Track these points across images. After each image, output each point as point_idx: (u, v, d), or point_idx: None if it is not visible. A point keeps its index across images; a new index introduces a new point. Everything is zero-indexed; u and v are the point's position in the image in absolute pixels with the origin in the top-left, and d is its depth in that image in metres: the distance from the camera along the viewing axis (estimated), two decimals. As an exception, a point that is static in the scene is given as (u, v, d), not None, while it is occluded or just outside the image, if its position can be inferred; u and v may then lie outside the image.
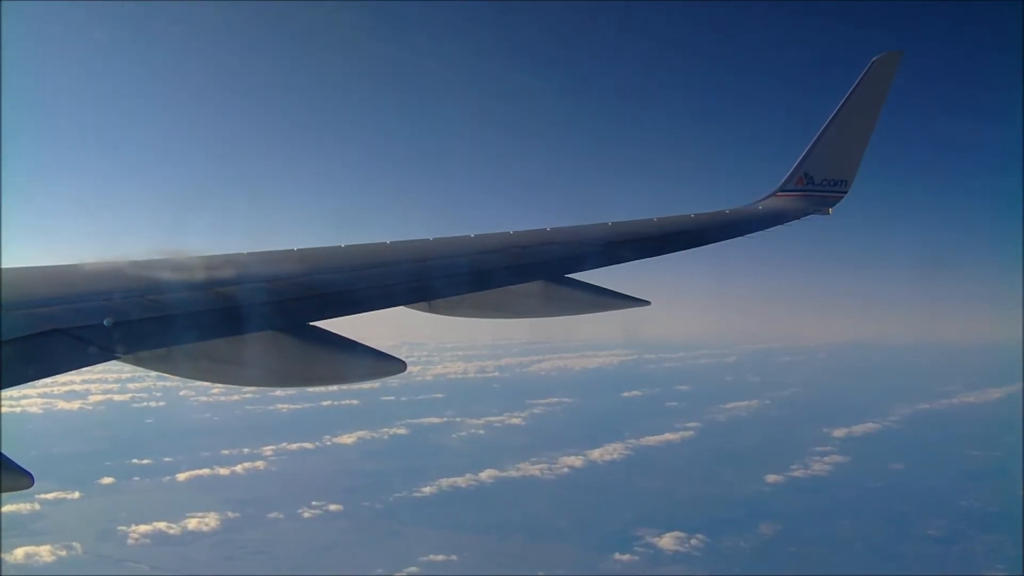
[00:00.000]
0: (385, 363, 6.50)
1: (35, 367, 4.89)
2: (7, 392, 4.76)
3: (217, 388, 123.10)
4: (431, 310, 8.00)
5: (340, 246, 8.86)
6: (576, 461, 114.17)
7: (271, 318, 6.34)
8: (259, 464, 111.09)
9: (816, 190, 14.11)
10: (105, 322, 5.51)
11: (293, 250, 8.48)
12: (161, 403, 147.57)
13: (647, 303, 9.01)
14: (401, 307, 7.58)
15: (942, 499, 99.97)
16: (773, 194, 14.32)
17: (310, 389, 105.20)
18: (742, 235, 12.31)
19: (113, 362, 5.45)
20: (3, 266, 6.67)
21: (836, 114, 13.87)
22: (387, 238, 9.29)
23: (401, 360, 6.50)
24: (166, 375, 6.54)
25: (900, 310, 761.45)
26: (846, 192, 14.22)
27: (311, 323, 6.42)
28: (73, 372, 5.21)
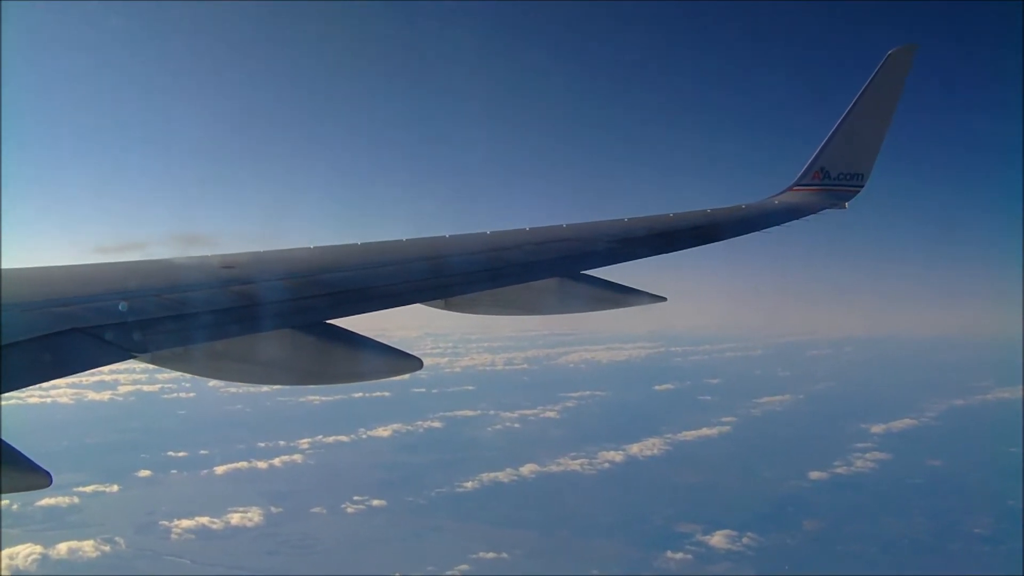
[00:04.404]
0: (402, 361, 6.38)
1: (54, 366, 4.86)
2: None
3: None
4: (448, 307, 7.91)
5: (356, 243, 8.91)
6: (616, 456, 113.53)
7: (287, 316, 6.29)
8: (296, 457, 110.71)
9: (832, 184, 14.01)
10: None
11: (309, 247, 8.54)
12: (191, 394, 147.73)
13: (663, 299, 8.91)
14: (418, 304, 7.52)
15: (985, 497, 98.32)
16: (789, 189, 14.18)
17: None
18: (759, 230, 12.24)
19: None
20: (10, 264, 6.74)
21: (852, 108, 13.66)
22: (403, 235, 9.34)
23: (418, 358, 6.39)
24: (183, 373, 6.45)
25: (922, 304, 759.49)
26: (862, 186, 14.09)
27: (327, 321, 6.35)
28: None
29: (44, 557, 75.59)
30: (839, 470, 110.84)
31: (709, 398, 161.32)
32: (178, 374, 6.52)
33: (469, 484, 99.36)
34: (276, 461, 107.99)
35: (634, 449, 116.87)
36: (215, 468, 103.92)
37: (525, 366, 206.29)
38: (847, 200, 13.96)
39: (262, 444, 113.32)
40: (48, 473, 4.29)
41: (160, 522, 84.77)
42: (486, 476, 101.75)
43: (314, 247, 8.55)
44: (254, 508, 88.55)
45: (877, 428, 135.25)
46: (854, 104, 13.58)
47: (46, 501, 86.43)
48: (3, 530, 78.48)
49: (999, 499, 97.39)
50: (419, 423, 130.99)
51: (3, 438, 4.29)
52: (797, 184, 14.12)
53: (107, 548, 77.96)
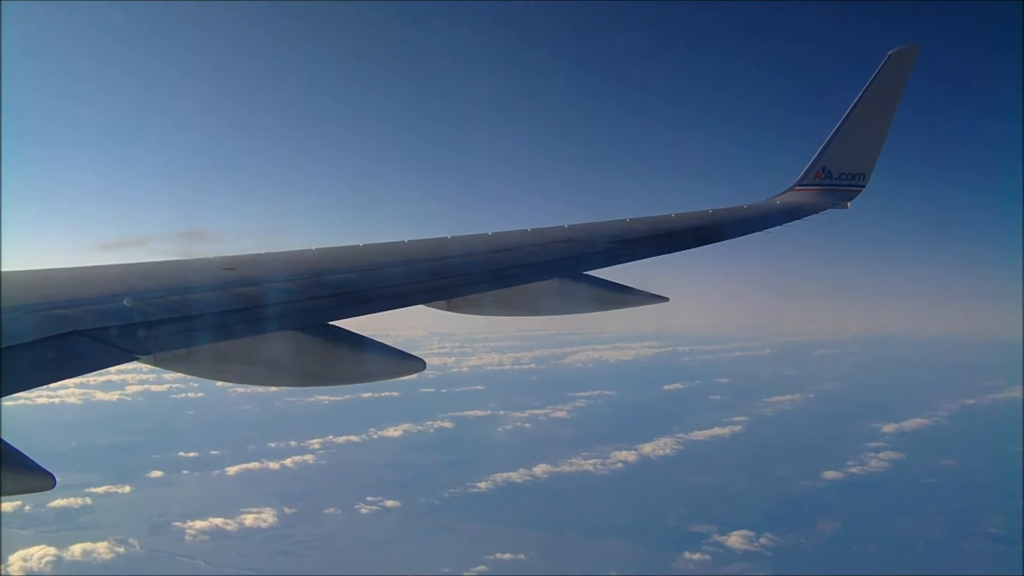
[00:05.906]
0: (405, 362, 6.41)
1: (55, 368, 4.87)
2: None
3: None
4: (450, 308, 7.94)
5: (359, 245, 8.95)
6: (628, 456, 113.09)
7: (290, 318, 6.31)
8: (308, 457, 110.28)
9: (834, 184, 14.14)
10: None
11: (312, 249, 8.59)
12: (199, 394, 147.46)
13: (665, 299, 8.95)
14: (420, 306, 7.54)
15: (999, 496, 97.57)
16: (791, 188, 14.32)
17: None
18: (761, 230, 12.33)
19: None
20: (15, 261, 6.74)
21: (853, 108, 13.77)
22: (406, 237, 9.32)
23: (420, 359, 6.40)
24: (186, 375, 6.36)
25: (927, 303, 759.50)
26: (864, 186, 14.20)
27: (330, 322, 6.37)
28: None
29: (58, 558, 75.34)
30: (853, 470, 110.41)
31: (719, 397, 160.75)
32: (183, 375, 6.39)
33: (482, 484, 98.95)
34: (288, 461, 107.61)
35: (646, 449, 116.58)
36: (227, 469, 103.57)
37: (532, 366, 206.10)
38: (849, 200, 14.06)
39: (273, 444, 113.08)
40: (51, 475, 4.23)
41: (173, 523, 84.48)
42: (499, 476, 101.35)
43: (316, 248, 8.60)
44: (267, 509, 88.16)
45: (889, 428, 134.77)
46: (856, 104, 13.65)
47: (58, 502, 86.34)
48: (16, 531, 78.70)
49: (1013, 498, 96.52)
50: (429, 423, 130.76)
51: (10, 440, 4.24)
52: (799, 184, 14.22)
53: (121, 549, 77.67)
